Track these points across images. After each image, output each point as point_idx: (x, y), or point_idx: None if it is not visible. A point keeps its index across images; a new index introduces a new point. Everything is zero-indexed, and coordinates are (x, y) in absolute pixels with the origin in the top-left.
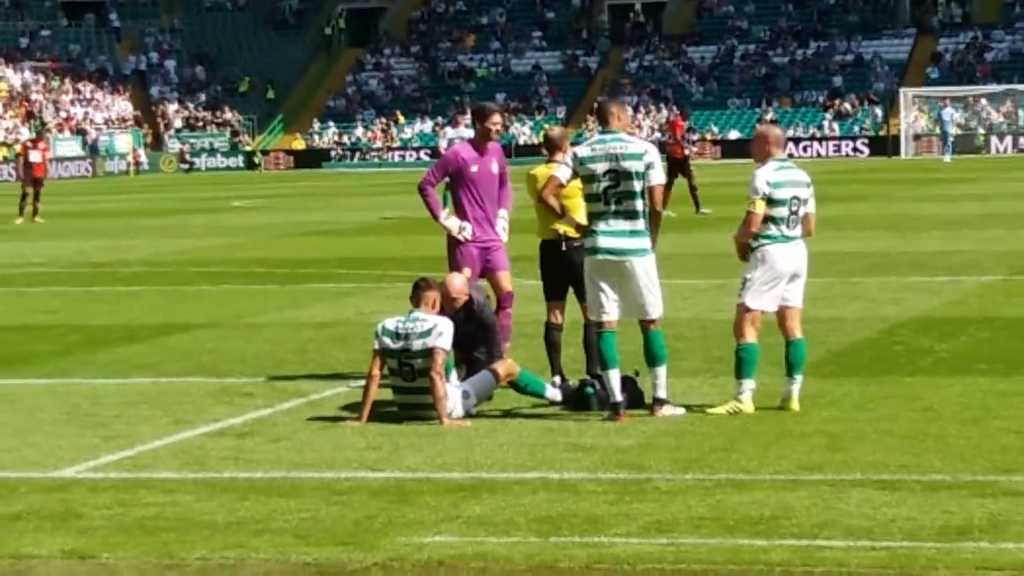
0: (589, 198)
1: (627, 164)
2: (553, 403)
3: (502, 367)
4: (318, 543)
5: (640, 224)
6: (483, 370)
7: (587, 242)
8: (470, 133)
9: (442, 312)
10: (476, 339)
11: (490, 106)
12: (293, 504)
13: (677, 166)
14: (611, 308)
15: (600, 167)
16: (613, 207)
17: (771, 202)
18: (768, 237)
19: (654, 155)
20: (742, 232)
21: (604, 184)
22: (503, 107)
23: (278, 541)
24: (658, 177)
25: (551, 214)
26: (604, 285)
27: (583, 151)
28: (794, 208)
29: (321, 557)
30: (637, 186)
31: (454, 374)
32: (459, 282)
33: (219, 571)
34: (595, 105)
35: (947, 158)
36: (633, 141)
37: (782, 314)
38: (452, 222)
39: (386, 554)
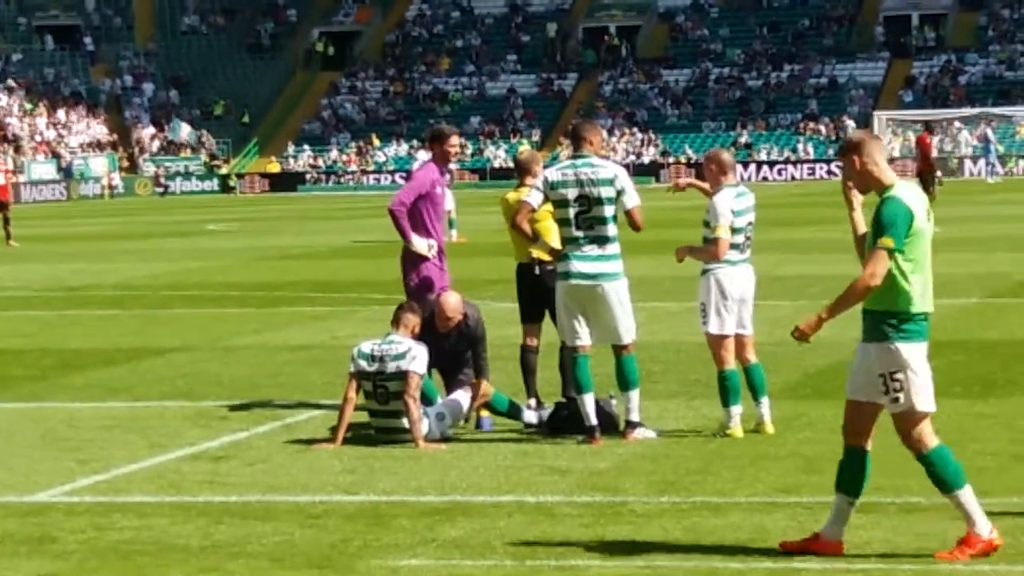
0: (561, 223)
1: (598, 190)
2: (528, 425)
3: (477, 389)
4: (293, 566)
5: (612, 248)
6: (458, 390)
7: (560, 267)
8: None
9: (424, 334)
10: (464, 359)
11: (449, 128)
12: (268, 527)
13: (928, 181)
14: (584, 333)
15: (571, 192)
16: (584, 232)
17: (731, 230)
18: (719, 262)
19: (624, 179)
20: (704, 256)
21: (575, 210)
22: (479, 130)
23: (253, 565)
24: (632, 199)
25: (524, 239)
26: (576, 310)
27: (554, 175)
28: (748, 233)
29: None
30: (608, 212)
31: (440, 399)
32: (454, 301)
33: None
34: (569, 127)
35: (992, 179)
36: (604, 165)
37: (736, 341)
38: (420, 242)
39: None
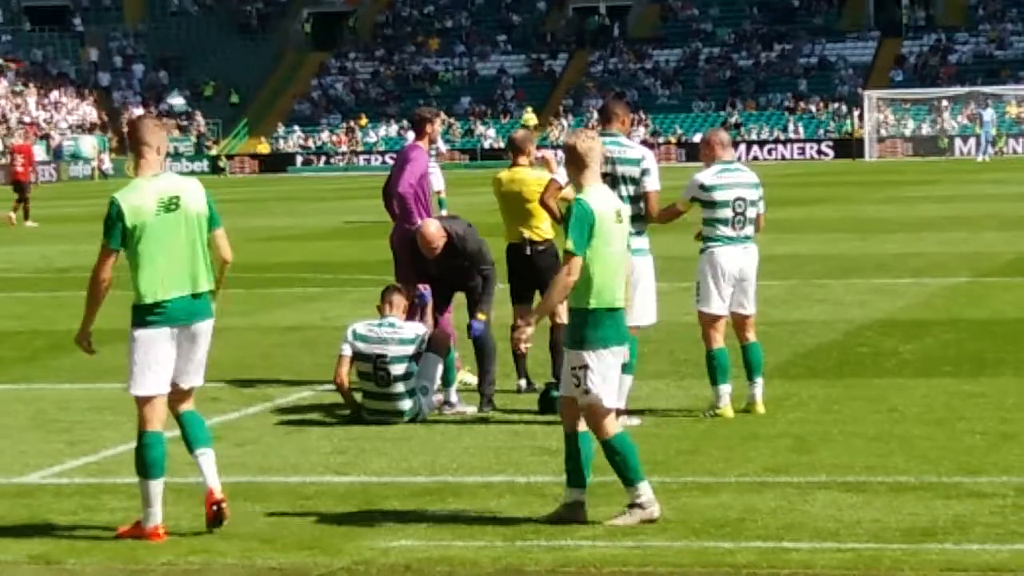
0: None
1: (622, 168)
2: (446, 402)
3: (439, 334)
4: (284, 548)
5: (638, 226)
6: (427, 353)
7: None
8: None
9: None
10: (465, 271)
11: (432, 111)
12: (259, 508)
13: None
14: None
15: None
16: None
17: (713, 204)
18: (715, 239)
19: (651, 161)
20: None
21: None
22: (469, 111)
23: (244, 546)
24: (653, 183)
25: (552, 218)
26: None
27: None
28: (739, 209)
29: (287, 562)
30: (631, 191)
31: (453, 390)
32: (434, 228)
33: None
34: (600, 104)
35: (980, 158)
36: (631, 146)
37: (735, 320)
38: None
39: (352, 558)
